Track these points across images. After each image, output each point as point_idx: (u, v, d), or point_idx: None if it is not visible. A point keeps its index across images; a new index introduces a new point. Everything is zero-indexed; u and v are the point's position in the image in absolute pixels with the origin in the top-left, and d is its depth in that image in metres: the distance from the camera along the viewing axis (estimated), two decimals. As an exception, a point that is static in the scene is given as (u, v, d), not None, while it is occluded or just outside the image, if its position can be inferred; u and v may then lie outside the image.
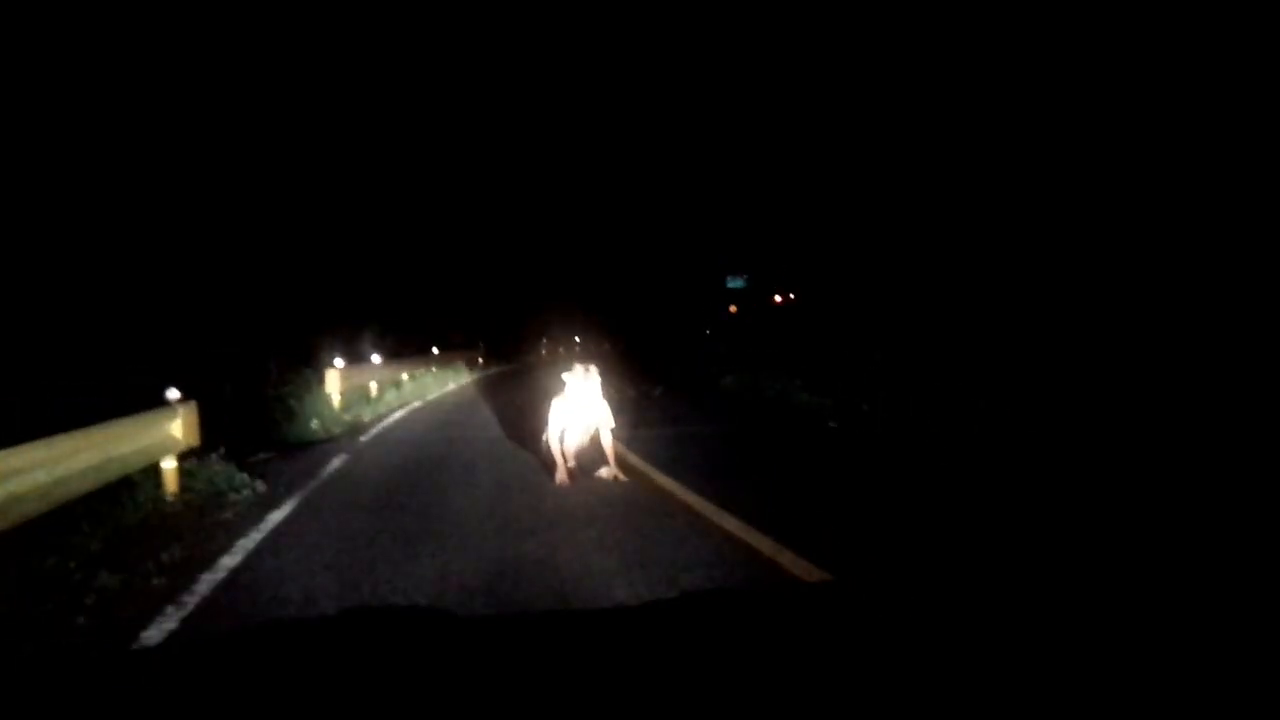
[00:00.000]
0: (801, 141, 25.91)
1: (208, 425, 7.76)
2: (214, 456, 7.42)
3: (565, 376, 7.18)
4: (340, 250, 26.33)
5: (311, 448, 9.64)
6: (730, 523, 5.24)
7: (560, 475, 6.84)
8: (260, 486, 6.94)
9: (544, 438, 7.23)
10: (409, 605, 3.92)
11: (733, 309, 37.08)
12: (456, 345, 28.25)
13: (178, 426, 6.69)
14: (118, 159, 17.81)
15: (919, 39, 18.97)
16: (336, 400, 12.72)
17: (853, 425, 9.42)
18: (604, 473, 6.97)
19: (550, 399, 7.16)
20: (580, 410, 7.08)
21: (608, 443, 7.07)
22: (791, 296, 31.93)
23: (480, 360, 29.57)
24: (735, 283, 38.46)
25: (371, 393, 15.08)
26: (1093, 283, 11.93)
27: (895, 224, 19.11)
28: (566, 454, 6.95)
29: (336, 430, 11.08)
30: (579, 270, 49.72)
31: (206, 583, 4.45)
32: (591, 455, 7.18)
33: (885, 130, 20.09)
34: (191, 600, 4.20)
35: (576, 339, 49.90)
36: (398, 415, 13.37)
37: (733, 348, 19.71)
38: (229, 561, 4.83)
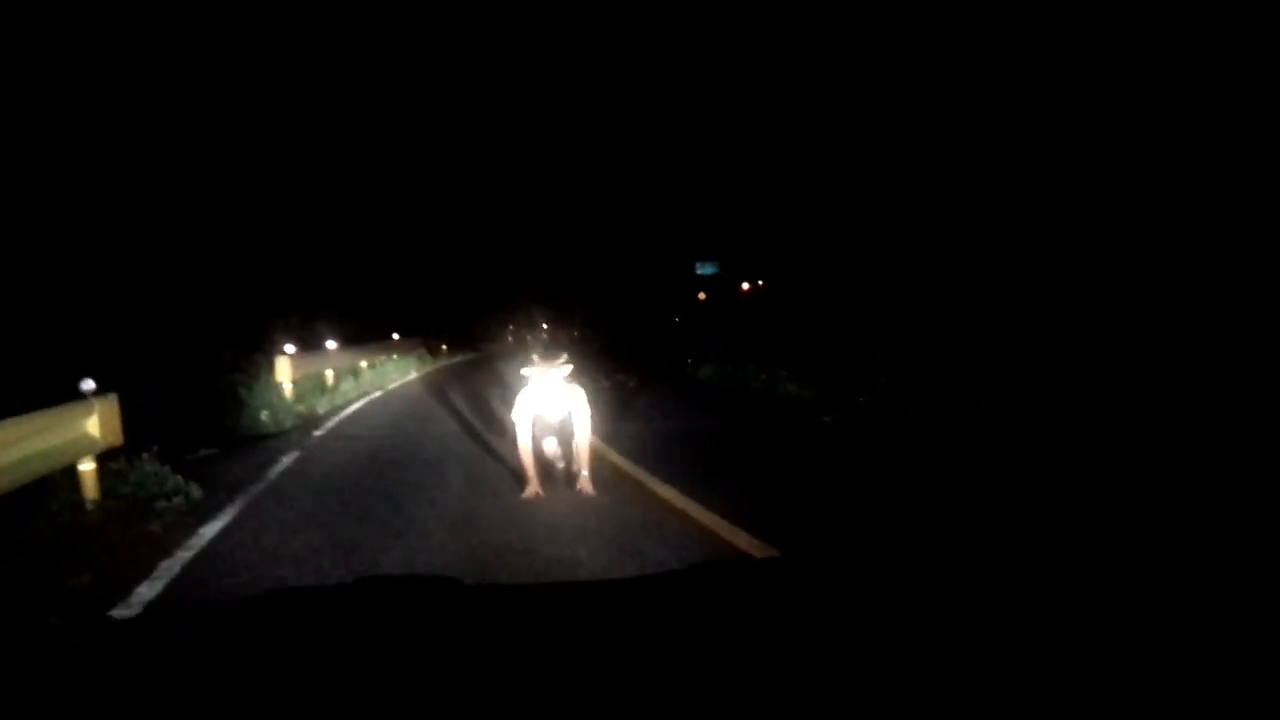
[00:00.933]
0: (774, 126, 25.29)
1: (144, 419, 6.88)
2: (146, 456, 6.52)
3: (526, 371, 5.80)
4: (297, 231, 25.14)
5: (260, 443, 8.72)
6: (743, 540, 4.49)
7: (530, 488, 5.70)
8: (196, 492, 6.02)
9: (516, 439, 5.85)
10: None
11: (701, 296, 36.46)
12: (419, 332, 27.16)
13: (94, 423, 5.78)
14: (55, 135, 16.57)
15: (892, 24, 18.46)
16: (288, 390, 11.76)
17: (849, 421, 8.72)
18: (581, 484, 5.79)
19: (515, 393, 5.97)
20: (550, 407, 5.79)
21: (581, 444, 5.79)
22: (760, 284, 31.34)
23: (444, 347, 28.56)
24: (706, 269, 37.87)
25: (328, 382, 14.08)
26: (1090, 276, 11.49)
27: (877, 210, 18.58)
28: (537, 461, 5.82)
29: (288, 423, 10.14)
30: (546, 256, 48.74)
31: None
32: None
33: (860, 113, 19.56)
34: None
35: (544, 326, 48.95)
36: (356, 406, 12.45)
37: (706, 335, 18.96)
38: (146, 592, 3.97)
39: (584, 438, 5.79)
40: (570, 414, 5.79)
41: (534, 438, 5.77)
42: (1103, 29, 12.83)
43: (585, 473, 5.83)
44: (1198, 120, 11.22)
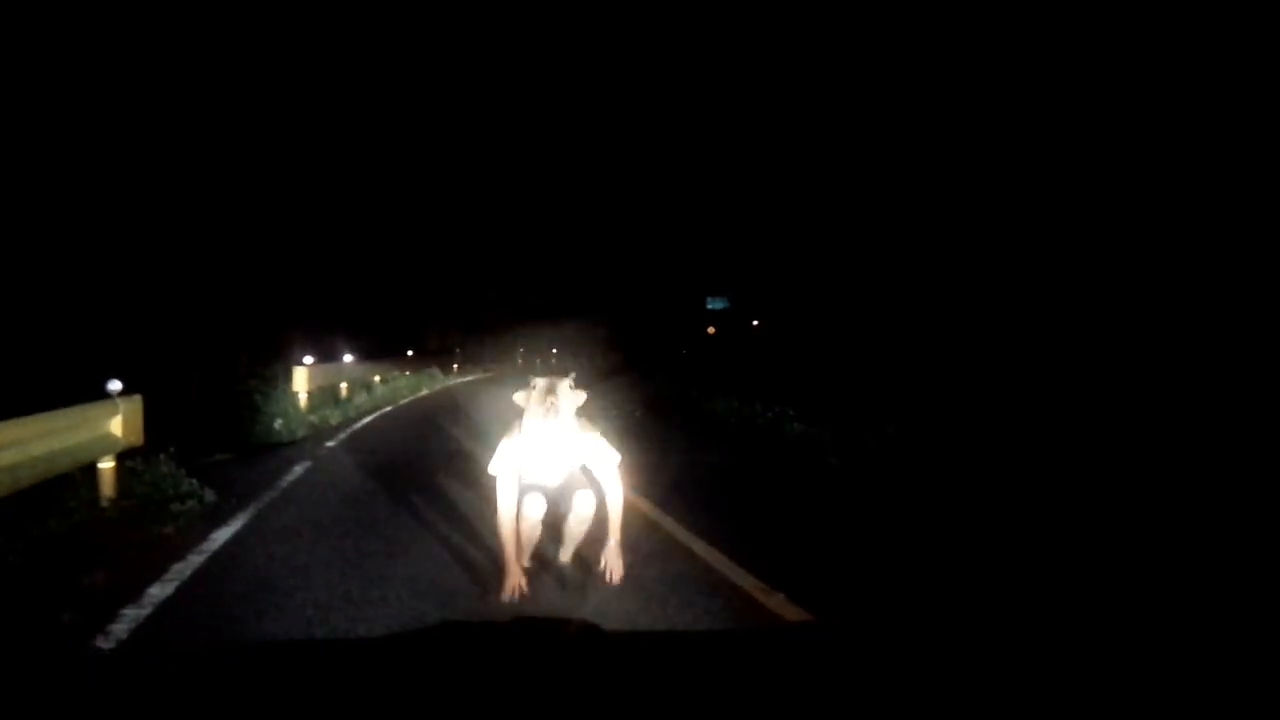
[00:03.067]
0: (791, 164, 25.54)
1: (162, 421, 7.01)
2: (163, 457, 6.66)
3: (518, 398, 4.04)
4: (318, 245, 25.47)
5: (272, 451, 8.86)
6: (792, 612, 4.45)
7: (510, 581, 3.87)
8: (209, 496, 6.15)
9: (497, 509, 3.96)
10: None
11: (711, 330, 36.60)
12: (432, 349, 27.36)
13: (118, 423, 5.92)
14: (85, 148, 16.92)
15: (897, 67, 18.74)
16: (303, 400, 11.92)
17: (856, 463, 8.75)
18: (608, 563, 3.96)
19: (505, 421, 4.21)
20: (549, 458, 4.07)
21: (612, 515, 3.99)
22: (770, 320, 31.48)
23: (455, 366, 28.75)
24: (716, 304, 37.98)
25: (341, 394, 14.26)
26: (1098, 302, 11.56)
27: (889, 249, 18.74)
28: (523, 538, 4.07)
29: (301, 433, 10.29)
30: (559, 282, 49.00)
31: (127, 621, 3.69)
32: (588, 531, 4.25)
33: (869, 152, 19.79)
34: (105, 644, 3.44)
35: (554, 350, 49.11)
36: (368, 420, 12.57)
37: (714, 369, 19.04)
38: (158, 593, 4.06)
39: (616, 504, 4.00)
40: (581, 470, 4.15)
41: (520, 503, 4.00)
42: (1093, 38, 13.01)
43: (613, 554, 3.98)
44: (1194, 122, 11.27)
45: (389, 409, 14.55)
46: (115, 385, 6.05)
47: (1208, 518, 5.30)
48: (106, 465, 5.82)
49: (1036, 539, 5.22)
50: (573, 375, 4.20)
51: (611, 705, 0.97)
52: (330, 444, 9.60)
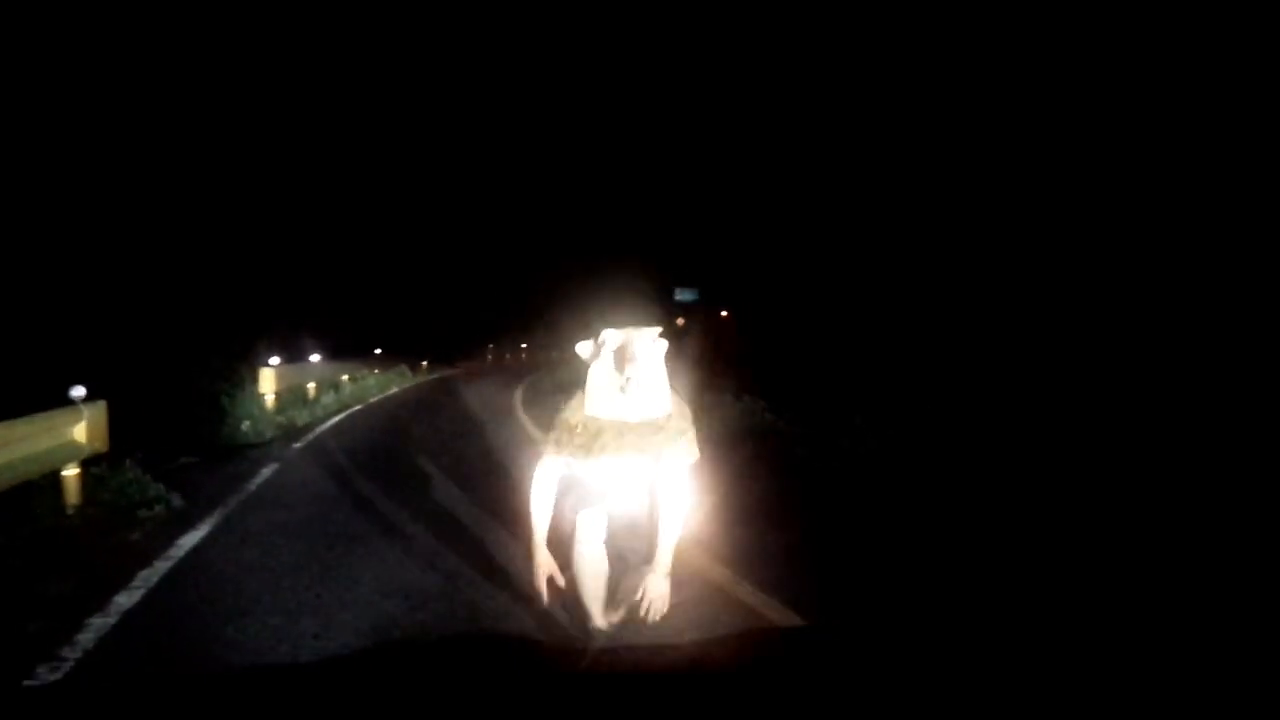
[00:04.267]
0: (758, 154, 25.68)
1: (128, 426, 6.95)
2: (129, 462, 6.61)
3: (582, 350, 2.96)
4: (283, 244, 25.21)
5: (240, 453, 8.81)
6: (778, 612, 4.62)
7: (596, 618, 3.05)
8: (176, 500, 6.13)
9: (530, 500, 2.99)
10: (341, 660, 3.25)
11: (680, 322, 36.63)
12: (400, 347, 27.20)
13: (82, 430, 5.88)
14: (43, 145, 16.61)
15: (861, 48, 18.90)
16: (270, 401, 11.84)
17: (822, 453, 8.86)
18: (647, 594, 2.84)
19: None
20: (617, 448, 2.84)
21: (672, 525, 2.91)
22: (740, 311, 31.60)
23: (424, 364, 28.64)
24: (685, 295, 38.08)
25: (309, 394, 14.17)
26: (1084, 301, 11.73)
27: (858, 240, 18.92)
28: (585, 590, 3.04)
29: (269, 434, 10.24)
30: (526, 276, 48.91)
31: (94, 630, 3.69)
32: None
33: (840, 138, 19.96)
34: (72, 655, 3.44)
35: (523, 346, 49.05)
36: (337, 419, 12.52)
37: (684, 361, 19.12)
38: (124, 601, 4.06)
39: (677, 518, 2.93)
40: (660, 457, 2.88)
41: (575, 528, 3.03)
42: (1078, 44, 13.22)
43: (657, 583, 2.86)
44: (1192, 121, 11.42)
45: (358, 408, 14.49)
46: (79, 391, 6.00)
47: (1187, 507, 5.46)
48: (71, 472, 5.78)
49: (1009, 530, 5.35)
50: (656, 329, 2.85)
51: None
52: (298, 445, 9.56)
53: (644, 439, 2.84)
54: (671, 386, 2.92)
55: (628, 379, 2.74)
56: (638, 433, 2.83)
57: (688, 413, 2.98)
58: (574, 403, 2.95)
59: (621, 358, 2.75)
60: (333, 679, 0.91)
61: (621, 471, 2.94)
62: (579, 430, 2.87)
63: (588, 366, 2.91)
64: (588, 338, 2.95)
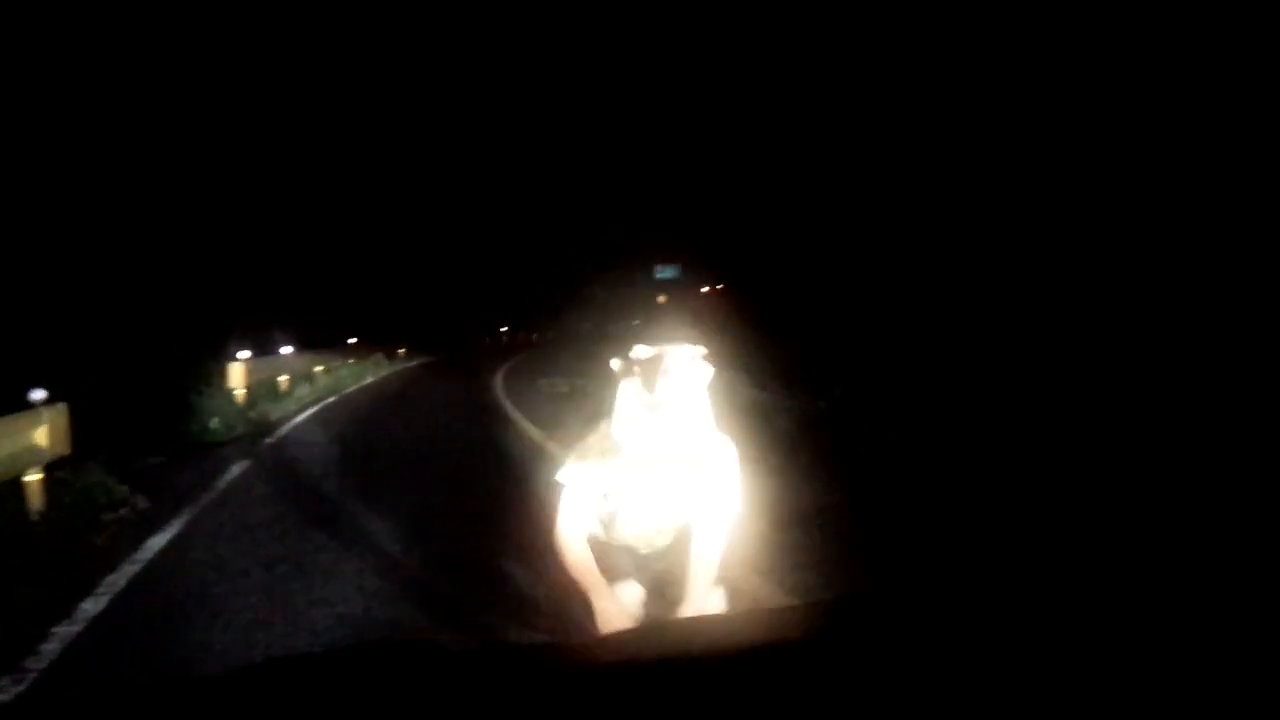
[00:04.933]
0: (742, 129, 25.61)
1: (92, 427, 6.83)
2: (93, 465, 6.49)
3: (616, 366, 2.59)
4: (252, 235, 24.85)
5: (209, 451, 8.68)
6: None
7: (603, 612, 2.43)
8: (142, 502, 6.04)
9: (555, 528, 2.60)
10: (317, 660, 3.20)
11: (662, 299, 36.60)
12: (375, 336, 26.99)
13: (43, 433, 5.74)
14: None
15: (845, 29, 18.85)
16: (240, 396, 11.69)
17: (803, 423, 8.89)
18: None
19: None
20: (650, 489, 2.59)
21: (703, 571, 2.51)
22: (720, 288, 31.63)
23: (400, 352, 28.45)
24: (666, 273, 37.97)
25: (282, 387, 14.01)
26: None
27: (837, 215, 18.95)
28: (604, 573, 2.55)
29: (239, 430, 10.08)
30: (505, 259, 48.65)
31: (59, 639, 3.62)
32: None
33: (820, 114, 19.93)
34: (36, 665, 3.37)
35: (502, 329, 48.91)
36: (310, 412, 12.39)
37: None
38: (90, 608, 3.98)
39: (709, 564, 2.53)
40: (692, 476, 2.56)
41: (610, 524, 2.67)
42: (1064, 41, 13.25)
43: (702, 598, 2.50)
44: (1191, 119, 11.45)
45: (332, 399, 14.34)
46: (39, 394, 5.85)
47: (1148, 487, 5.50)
48: (33, 478, 5.66)
49: (982, 496, 5.38)
50: (699, 349, 2.52)
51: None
52: (269, 440, 9.45)
53: (675, 469, 2.54)
54: (717, 424, 2.59)
55: (659, 398, 2.44)
56: (669, 460, 2.53)
57: (734, 454, 2.60)
58: (601, 426, 2.65)
59: (653, 373, 2.45)
60: (310, 680, 0.84)
61: (650, 502, 2.62)
62: (604, 453, 2.59)
63: (615, 387, 2.61)
64: (619, 354, 2.63)
